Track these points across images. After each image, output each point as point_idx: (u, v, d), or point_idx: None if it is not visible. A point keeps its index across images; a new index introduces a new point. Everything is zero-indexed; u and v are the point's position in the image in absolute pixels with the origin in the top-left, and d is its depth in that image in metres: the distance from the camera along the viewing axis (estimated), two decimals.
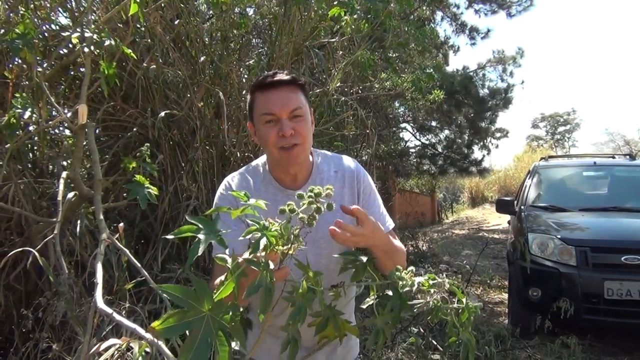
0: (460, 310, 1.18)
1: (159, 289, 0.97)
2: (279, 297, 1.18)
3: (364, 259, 1.35)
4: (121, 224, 2.12)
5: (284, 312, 1.17)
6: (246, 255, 1.05)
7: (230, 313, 0.98)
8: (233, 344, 1.72)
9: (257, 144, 1.66)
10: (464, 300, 1.19)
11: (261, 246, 1.03)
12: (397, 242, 1.58)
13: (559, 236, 4.94)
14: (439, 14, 11.93)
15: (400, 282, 1.19)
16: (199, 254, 1.02)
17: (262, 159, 1.66)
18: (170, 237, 1.06)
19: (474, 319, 1.21)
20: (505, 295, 6.49)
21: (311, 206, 1.11)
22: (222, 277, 1.06)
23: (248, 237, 1.06)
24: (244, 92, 3.93)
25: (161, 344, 1.23)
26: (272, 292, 1.03)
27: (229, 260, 1.05)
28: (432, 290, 1.18)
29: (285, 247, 1.10)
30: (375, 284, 1.27)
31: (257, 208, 1.09)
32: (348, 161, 1.68)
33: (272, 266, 1.05)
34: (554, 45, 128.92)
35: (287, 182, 1.58)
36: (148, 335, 1.27)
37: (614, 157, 7.78)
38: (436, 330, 4.54)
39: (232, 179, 1.63)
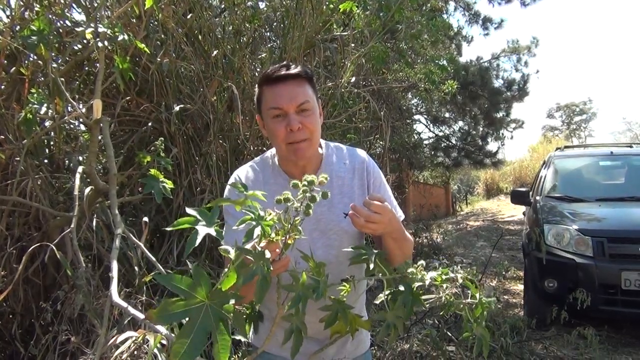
0: (473, 306, 1.17)
1: (159, 279, 0.98)
2: None
3: (375, 252, 1.35)
4: (145, 219, 2.14)
5: None
6: (246, 246, 1.06)
7: (232, 302, 0.98)
8: (246, 337, 1.73)
9: (266, 136, 1.67)
10: (477, 295, 1.17)
11: (255, 235, 1.04)
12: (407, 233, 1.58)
13: (575, 227, 4.90)
14: (451, 4, 11.81)
15: (412, 276, 1.18)
16: (196, 245, 1.03)
17: (272, 151, 1.66)
18: (169, 229, 1.07)
19: (489, 312, 1.19)
20: (521, 287, 6.45)
21: (306, 195, 1.11)
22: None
23: (243, 227, 1.07)
24: (256, 86, 3.93)
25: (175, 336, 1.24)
26: (269, 281, 1.03)
27: (232, 251, 1.06)
28: (444, 286, 1.17)
29: (283, 238, 1.11)
30: (386, 278, 1.26)
31: (263, 201, 1.10)
32: (358, 153, 1.68)
33: (268, 255, 1.05)
34: (569, 34, 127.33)
35: (296, 174, 1.57)
36: (162, 328, 1.29)
37: (631, 147, 7.67)
38: (451, 322, 4.53)
39: (242, 171, 1.64)
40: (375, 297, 1.32)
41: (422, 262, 1.24)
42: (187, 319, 0.95)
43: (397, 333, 1.19)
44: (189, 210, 1.05)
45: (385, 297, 1.22)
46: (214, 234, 1.04)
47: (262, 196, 1.13)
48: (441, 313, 1.18)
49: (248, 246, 1.07)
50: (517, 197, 6.32)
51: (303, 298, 1.12)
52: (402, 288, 1.21)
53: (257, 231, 1.05)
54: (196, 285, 0.97)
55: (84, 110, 2.56)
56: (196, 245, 1.03)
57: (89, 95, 3.08)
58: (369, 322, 1.37)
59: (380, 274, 1.28)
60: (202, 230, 1.03)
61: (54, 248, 2.27)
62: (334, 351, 1.60)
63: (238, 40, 4.07)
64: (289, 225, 1.10)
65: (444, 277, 1.18)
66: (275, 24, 4.97)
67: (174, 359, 0.91)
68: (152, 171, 2.30)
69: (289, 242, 1.12)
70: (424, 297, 1.20)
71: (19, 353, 2.63)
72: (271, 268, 1.06)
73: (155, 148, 2.64)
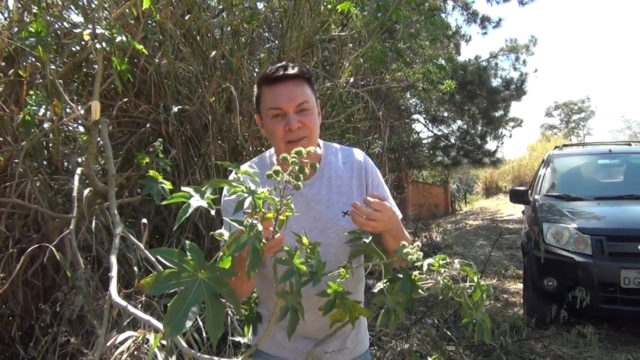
0: (472, 290, 1.16)
1: (154, 252, 0.99)
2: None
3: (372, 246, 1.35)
4: (144, 220, 2.14)
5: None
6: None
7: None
8: (245, 339, 1.74)
9: (265, 136, 1.67)
10: (475, 278, 1.16)
11: (246, 204, 1.04)
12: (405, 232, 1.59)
13: (574, 225, 4.90)
14: (449, 3, 11.80)
15: (409, 257, 1.18)
16: (187, 215, 1.05)
17: (270, 151, 1.67)
18: (164, 203, 1.08)
19: (489, 307, 1.19)
20: (520, 286, 6.45)
21: (295, 167, 1.12)
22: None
23: (234, 197, 1.08)
24: (254, 86, 3.94)
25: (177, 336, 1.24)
26: (261, 253, 1.04)
27: (226, 234, 1.06)
28: (442, 270, 1.17)
29: (276, 214, 1.11)
30: (383, 262, 1.26)
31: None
32: (356, 153, 1.69)
33: (260, 228, 1.06)
34: (567, 33, 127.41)
35: None
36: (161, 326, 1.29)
37: (629, 145, 7.67)
38: (451, 322, 4.54)
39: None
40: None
41: (417, 243, 1.24)
42: (180, 288, 0.96)
43: (397, 319, 1.18)
44: (184, 188, 1.06)
45: (384, 284, 1.22)
46: (205, 205, 1.05)
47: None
48: (440, 298, 1.17)
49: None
50: (516, 196, 6.32)
51: (296, 273, 1.12)
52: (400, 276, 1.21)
53: (248, 201, 1.05)
54: (191, 260, 0.99)
55: (82, 111, 2.56)
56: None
57: (87, 97, 3.08)
58: (368, 310, 1.37)
59: (378, 260, 1.28)
60: (195, 202, 1.05)
61: (53, 249, 2.27)
62: (335, 348, 1.60)
63: (236, 41, 4.07)
64: (281, 200, 1.10)
65: (441, 262, 1.17)
66: (273, 24, 4.97)
67: (165, 328, 0.91)
68: (151, 172, 2.29)
69: (281, 217, 1.12)
70: (421, 282, 1.20)
71: (18, 355, 2.63)
72: (264, 241, 1.07)
73: (154, 149, 2.64)
